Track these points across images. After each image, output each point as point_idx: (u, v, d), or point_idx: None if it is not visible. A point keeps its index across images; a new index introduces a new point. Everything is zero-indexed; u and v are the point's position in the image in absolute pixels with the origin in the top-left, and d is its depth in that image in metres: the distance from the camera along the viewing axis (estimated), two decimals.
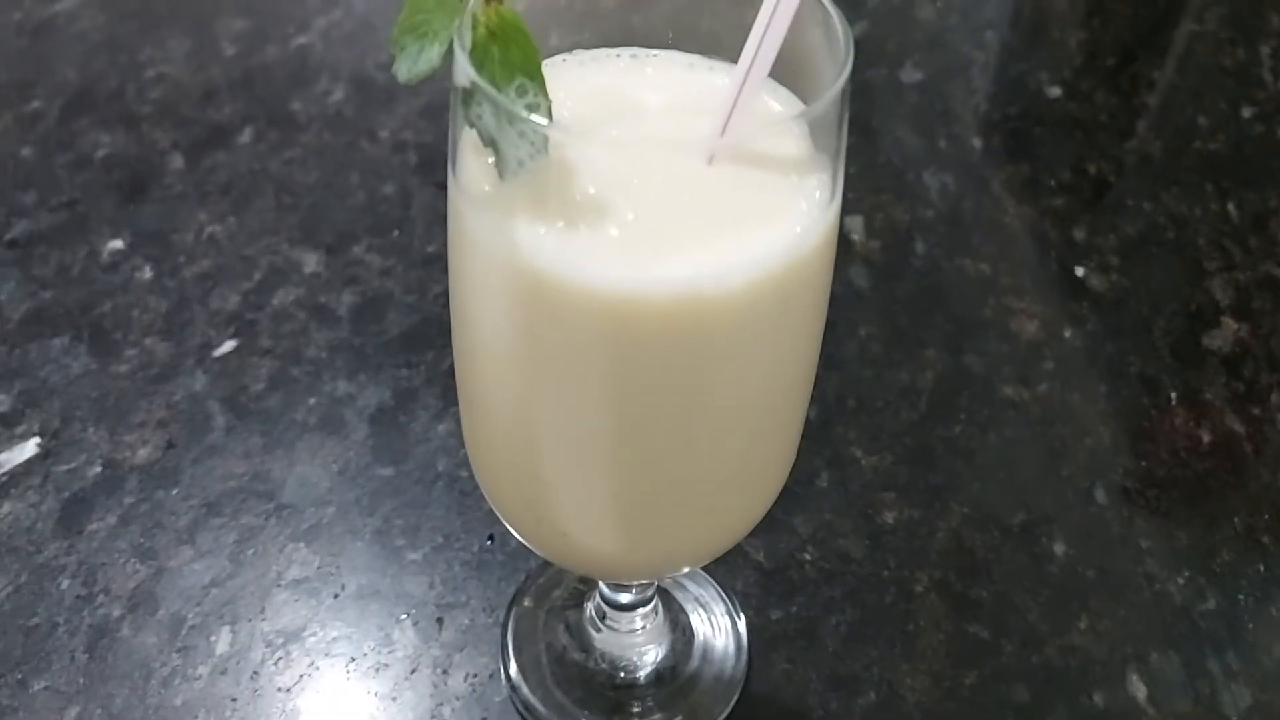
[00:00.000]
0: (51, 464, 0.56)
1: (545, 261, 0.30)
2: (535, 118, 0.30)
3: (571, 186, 0.31)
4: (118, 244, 0.67)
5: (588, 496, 0.36)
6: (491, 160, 0.31)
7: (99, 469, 0.56)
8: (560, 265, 0.30)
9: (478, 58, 0.30)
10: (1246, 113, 0.81)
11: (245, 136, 0.75)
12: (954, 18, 0.88)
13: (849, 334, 0.64)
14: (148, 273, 0.66)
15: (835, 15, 0.31)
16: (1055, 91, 0.82)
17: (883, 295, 0.67)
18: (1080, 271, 0.69)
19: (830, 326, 0.64)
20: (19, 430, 0.57)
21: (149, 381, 0.60)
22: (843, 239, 0.69)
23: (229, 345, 0.62)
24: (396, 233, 0.69)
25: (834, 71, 0.31)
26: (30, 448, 0.57)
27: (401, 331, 0.63)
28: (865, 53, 0.84)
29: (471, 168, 0.32)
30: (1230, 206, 0.73)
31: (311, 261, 0.67)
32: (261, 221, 0.69)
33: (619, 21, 0.35)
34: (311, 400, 0.60)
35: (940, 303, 0.66)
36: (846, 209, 0.71)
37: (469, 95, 0.30)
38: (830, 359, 0.63)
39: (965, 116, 0.79)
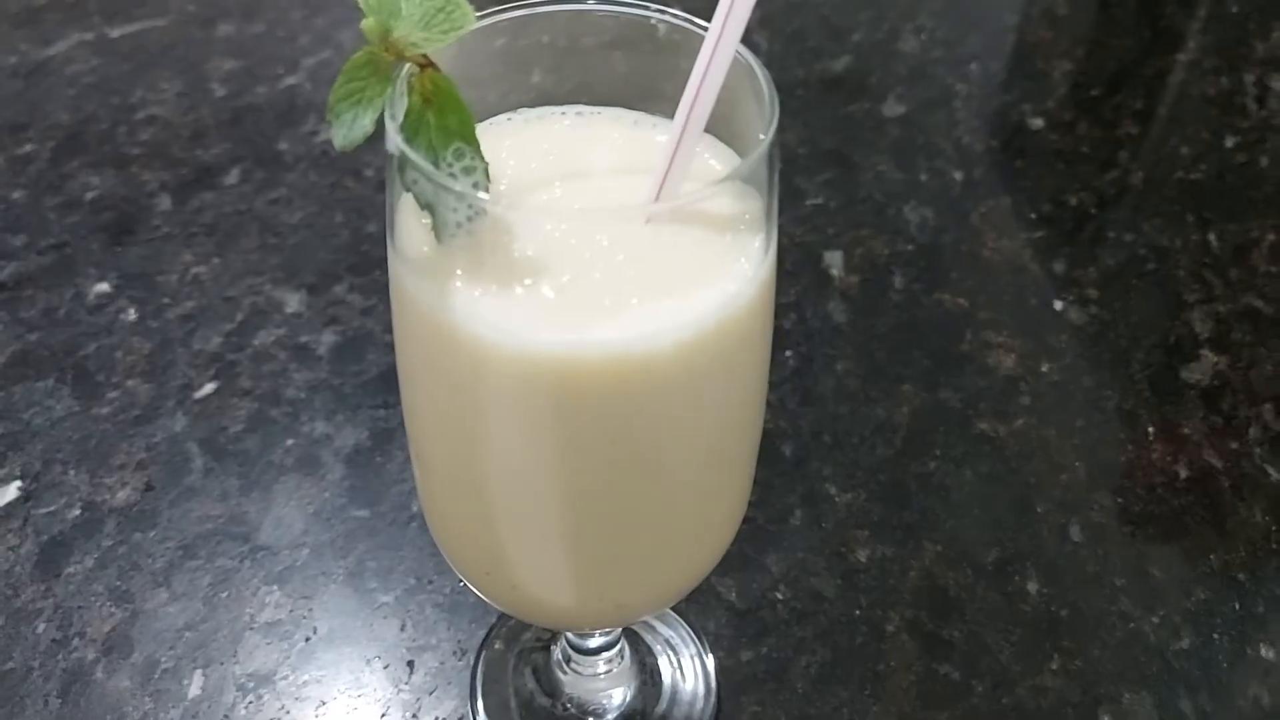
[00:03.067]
0: (31, 507, 0.57)
1: (481, 324, 0.31)
2: (480, 192, 0.30)
3: (508, 249, 0.31)
4: (104, 286, 0.68)
5: (533, 551, 0.36)
6: (428, 223, 0.31)
7: (78, 512, 0.57)
8: (495, 328, 0.30)
9: (412, 124, 0.30)
10: (1229, 142, 0.81)
11: (232, 177, 0.76)
12: (938, 50, 0.88)
13: (826, 369, 0.64)
14: (132, 314, 0.66)
15: (761, 75, 0.32)
16: (1038, 123, 0.82)
17: (860, 330, 0.67)
18: (1059, 305, 0.69)
19: (807, 362, 0.65)
20: (0, 474, 0.58)
21: (130, 423, 0.61)
22: (821, 274, 0.70)
23: (209, 387, 0.63)
24: (378, 272, 0.69)
25: (762, 130, 0.31)
26: (11, 491, 0.58)
27: (380, 372, 0.64)
28: (848, 87, 0.84)
29: (409, 230, 0.32)
30: (1211, 237, 0.73)
31: (293, 301, 0.67)
32: (245, 261, 0.70)
33: (562, 80, 0.36)
34: (289, 441, 0.60)
35: (918, 337, 0.66)
36: (826, 244, 0.72)
37: (402, 162, 0.30)
38: (806, 395, 0.63)
39: (947, 149, 0.79)
